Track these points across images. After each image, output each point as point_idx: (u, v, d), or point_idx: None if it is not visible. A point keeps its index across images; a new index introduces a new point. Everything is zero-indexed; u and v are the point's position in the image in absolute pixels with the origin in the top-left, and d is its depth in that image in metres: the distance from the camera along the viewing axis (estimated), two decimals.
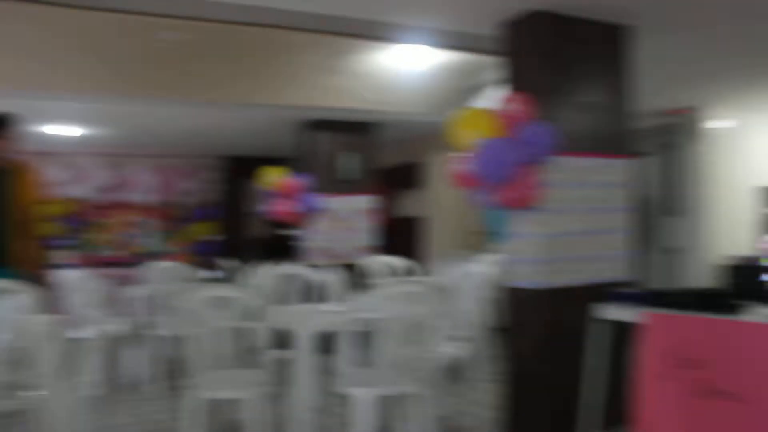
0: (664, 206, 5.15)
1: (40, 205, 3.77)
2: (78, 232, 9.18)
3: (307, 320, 3.43)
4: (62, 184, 8.95)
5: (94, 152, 9.00)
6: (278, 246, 8.10)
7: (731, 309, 2.84)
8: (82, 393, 3.38)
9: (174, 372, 5.16)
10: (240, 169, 9.62)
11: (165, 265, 5.85)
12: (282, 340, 3.63)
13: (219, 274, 8.83)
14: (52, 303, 7.16)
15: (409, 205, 9.12)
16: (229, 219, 9.58)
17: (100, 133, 7.85)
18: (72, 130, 7.59)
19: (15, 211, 3.62)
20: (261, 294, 4.10)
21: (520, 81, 3.62)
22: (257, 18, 5.26)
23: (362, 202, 7.19)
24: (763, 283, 3.19)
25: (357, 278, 5.77)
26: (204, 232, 9.52)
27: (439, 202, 8.45)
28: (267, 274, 4.60)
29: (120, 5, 4.85)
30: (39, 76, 5.35)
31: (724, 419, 2.22)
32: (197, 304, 2.99)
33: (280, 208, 6.41)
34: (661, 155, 5.17)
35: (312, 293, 4.82)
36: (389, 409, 3.34)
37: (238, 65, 5.84)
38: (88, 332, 3.69)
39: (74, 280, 4.63)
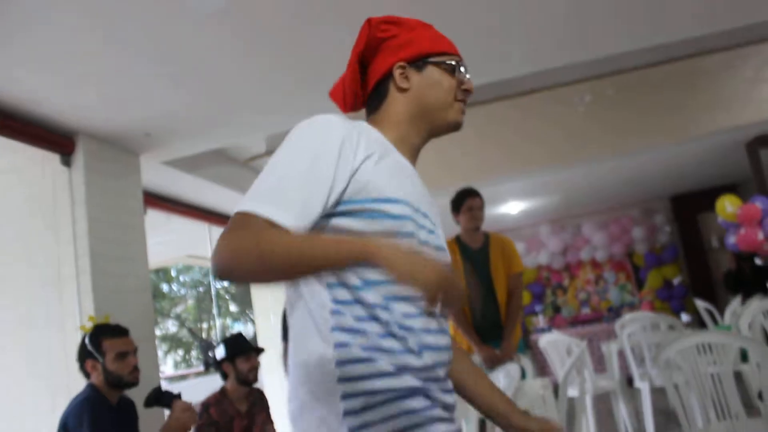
0: None
1: (520, 274, 3.75)
2: (544, 297, 9.78)
3: None
4: (521, 256, 9.71)
5: (544, 220, 9.61)
6: (753, 279, 7.28)
7: None
8: None
9: (671, 424, 4.99)
10: (687, 205, 9.18)
11: (637, 315, 5.81)
12: None
13: (689, 318, 8.31)
14: (538, 366, 7.71)
15: None
16: (689, 259, 9.04)
17: (545, 202, 8.39)
18: (517, 206, 8.30)
19: (499, 284, 3.66)
20: (754, 335, 3.73)
21: None
22: (668, 54, 5.10)
23: None
24: None
25: None
26: (665, 276, 9.16)
27: None
28: (753, 311, 4.14)
29: (540, 84, 5.29)
30: (488, 164, 6.09)
31: None
32: (687, 352, 2.87)
33: (744, 237, 5.89)
34: None
35: None
36: None
37: (662, 104, 5.69)
38: (576, 391, 3.83)
39: (552, 343, 4.91)
